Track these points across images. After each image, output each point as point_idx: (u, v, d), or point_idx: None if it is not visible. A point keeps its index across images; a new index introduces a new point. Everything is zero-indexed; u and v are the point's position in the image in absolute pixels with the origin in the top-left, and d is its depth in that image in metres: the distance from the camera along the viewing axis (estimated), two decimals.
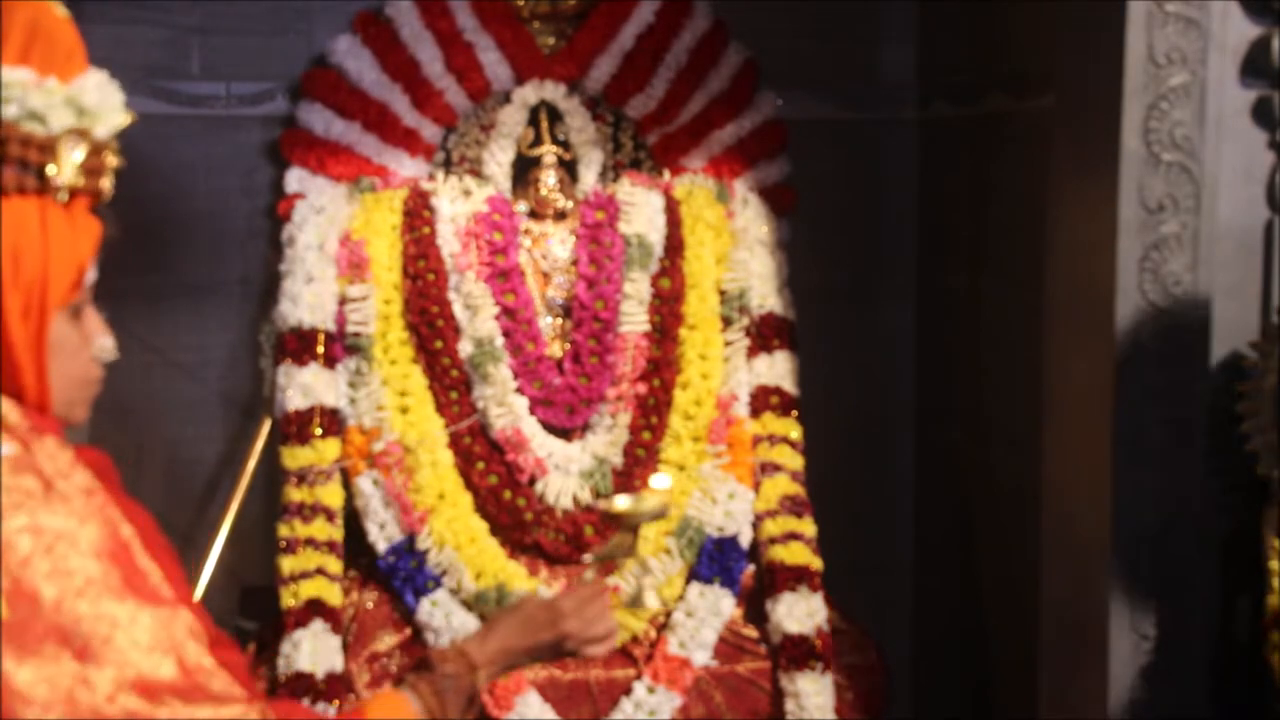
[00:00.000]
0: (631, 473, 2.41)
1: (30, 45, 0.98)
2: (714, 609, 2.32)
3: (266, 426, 2.43)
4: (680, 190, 2.53)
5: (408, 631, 2.31)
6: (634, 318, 2.45)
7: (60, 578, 0.91)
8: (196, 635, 0.97)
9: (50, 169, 0.97)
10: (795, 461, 2.46)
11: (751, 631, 2.36)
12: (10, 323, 0.98)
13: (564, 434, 2.46)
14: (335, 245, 2.41)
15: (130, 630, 0.93)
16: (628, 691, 2.25)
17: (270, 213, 2.55)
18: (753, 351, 2.49)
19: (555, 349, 2.47)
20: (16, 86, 0.96)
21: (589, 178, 2.52)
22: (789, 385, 2.49)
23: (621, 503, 1.40)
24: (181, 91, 2.53)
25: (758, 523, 2.42)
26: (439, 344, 2.40)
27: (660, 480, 1.43)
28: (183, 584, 1.02)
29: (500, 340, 2.41)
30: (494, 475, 2.39)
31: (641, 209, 2.48)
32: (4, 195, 0.96)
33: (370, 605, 2.33)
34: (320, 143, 2.50)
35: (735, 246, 2.50)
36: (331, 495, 2.35)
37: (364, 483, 2.36)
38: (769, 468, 2.44)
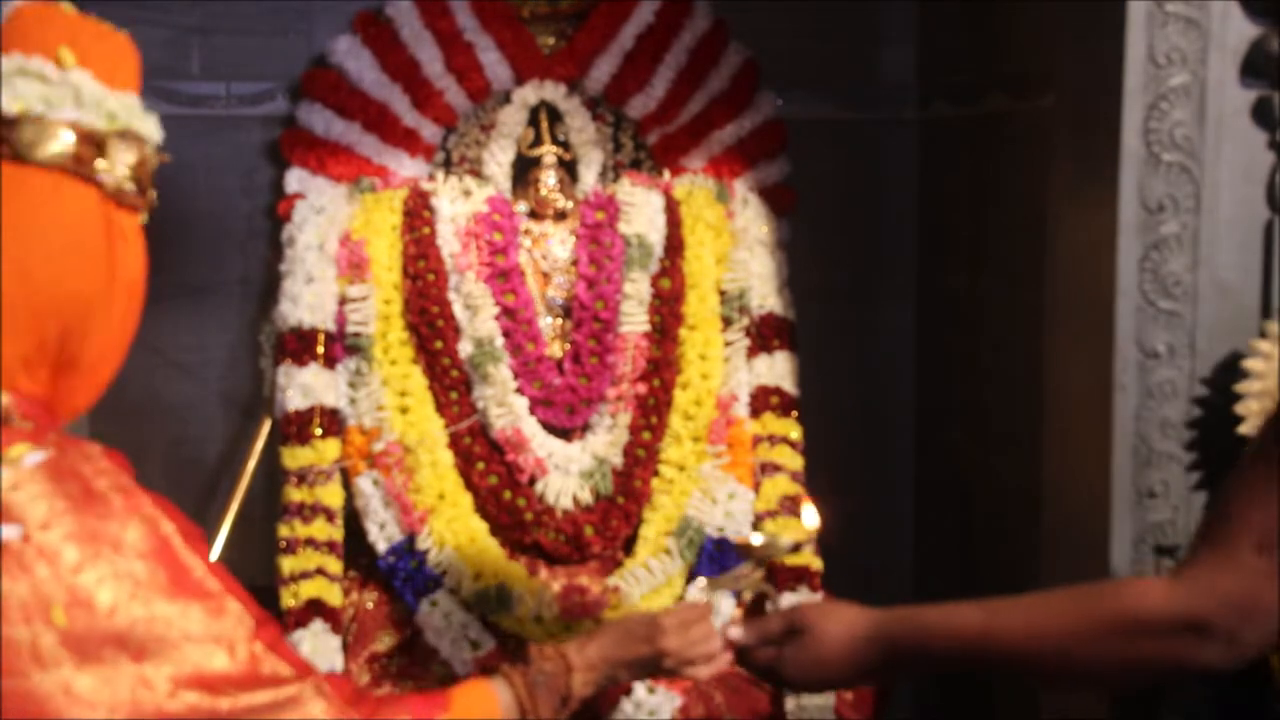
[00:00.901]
0: (631, 473, 2.41)
1: (121, 70, 1.04)
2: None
3: (266, 426, 2.43)
4: (680, 190, 2.53)
5: (408, 632, 2.31)
6: (634, 318, 2.45)
7: (112, 582, 0.91)
8: (244, 622, 0.99)
9: (150, 190, 1.06)
10: (795, 462, 2.46)
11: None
12: (114, 326, 1.04)
13: (564, 434, 2.46)
14: (335, 245, 2.41)
15: (183, 627, 0.94)
16: (628, 691, 2.25)
17: (270, 213, 2.55)
18: (753, 351, 2.49)
19: (555, 349, 2.48)
20: (131, 110, 1.03)
21: (589, 178, 2.52)
22: (789, 385, 2.49)
23: (757, 539, 1.43)
24: (181, 91, 2.53)
25: (758, 523, 2.42)
26: (439, 344, 2.40)
27: (810, 517, 1.44)
28: (221, 571, 1.02)
29: (500, 340, 2.41)
30: (494, 475, 2.39)
31: (641, 209, 2.48)
32: (119, 208, 1.03)
33: (370, 605, 2.33)
34: (320, 143, 2.50)
35: (735, 246, 2.51)
36: (331, 495, 2.35)
37: (364, 483, 2.36)
38: (769, 468, 2.44)
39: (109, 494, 0.95)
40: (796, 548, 1.44)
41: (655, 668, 1.39)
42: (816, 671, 1.38)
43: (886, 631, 1.34)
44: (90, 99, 1.00)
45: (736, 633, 1.43)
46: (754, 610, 1.48)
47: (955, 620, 1.30)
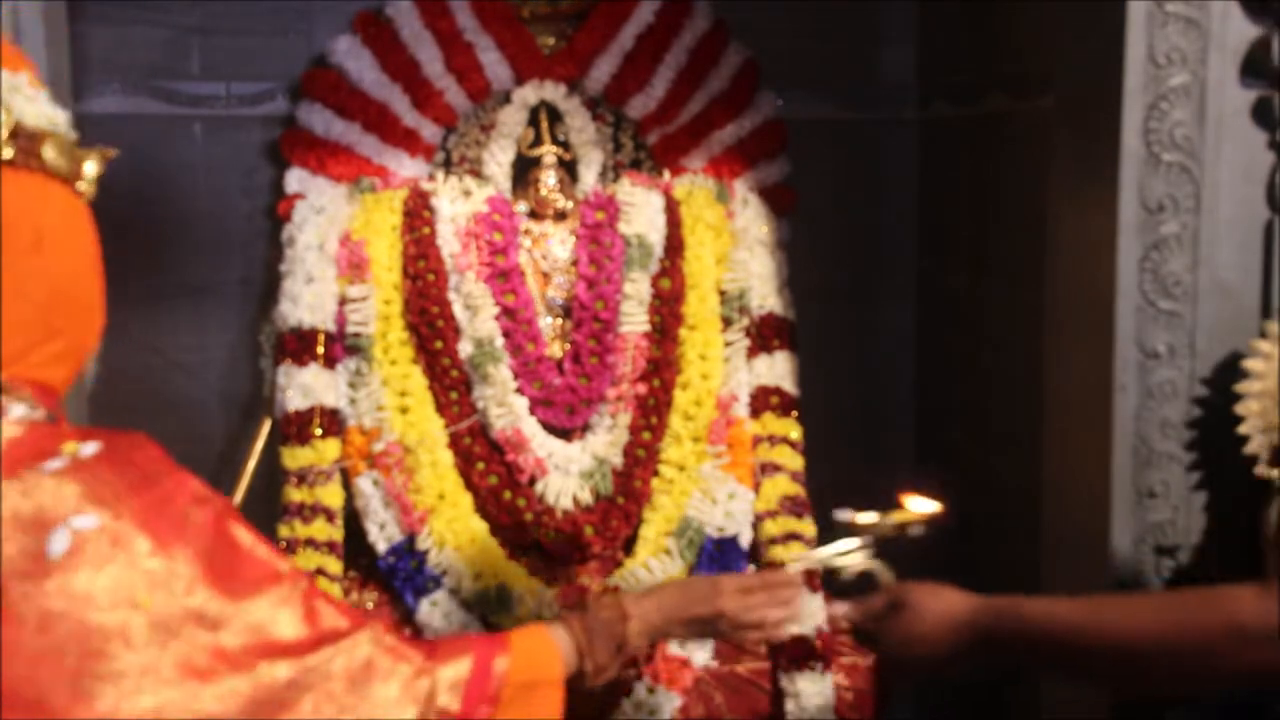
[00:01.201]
0: (631, 473, 2.41)
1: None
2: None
3: (266, 426, 2.43)
4: (680, 190, 2.53)
5: (408, 632, 2.31)
6: (634, 318, 2.45)
7: (184, 562, 0.95)
8: (299, 583, 1.02)
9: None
10: (795, 462, 2.46)
11: None
12: (101, 309, 1.09)
13: (564, 434, 2.45)
14: (335, 245, 2.41)
15: (251, 596, 0.98)
16: (628, 691, 2.25)
17: (270, 213, 2.55)
18: (753, 352, 2.49)
19: (555, 349, 2.47)
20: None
21: (589, 178, 2.52)
22: (789, 385, 2.49)
23: (865, 518, 1.47)
24: (181, 91, 2.53)
25: (758, 523, 2.42)
26: (439, 344, 2.40)
27: (919, 503, 1.45)
28: (264, 537, 1.06)
29: (500, 340, 2.41)
30: (494, 475, 2.39)
31: (641, 209, 2.48)
32: (88, 203, 1.09)
33: (370, 605, 2.33)
34: (320, 143, 2.50)
35: (735, 246, 2.51)
36: (331, 495, 2.35)
37: (364, 483, 2.36)
38: (769, 468, 2.44)
39: (162, 477, 0.98)
40: (903, 529, 1.46)
41: (711, 629, 1.41)
42: (914, 648, 1.40)
43: (985, 618, 1.36)
44: (60, 119, 1.05)
45: (843, 609, 1.46)
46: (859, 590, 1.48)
47: (1054, 613, 1.31)
